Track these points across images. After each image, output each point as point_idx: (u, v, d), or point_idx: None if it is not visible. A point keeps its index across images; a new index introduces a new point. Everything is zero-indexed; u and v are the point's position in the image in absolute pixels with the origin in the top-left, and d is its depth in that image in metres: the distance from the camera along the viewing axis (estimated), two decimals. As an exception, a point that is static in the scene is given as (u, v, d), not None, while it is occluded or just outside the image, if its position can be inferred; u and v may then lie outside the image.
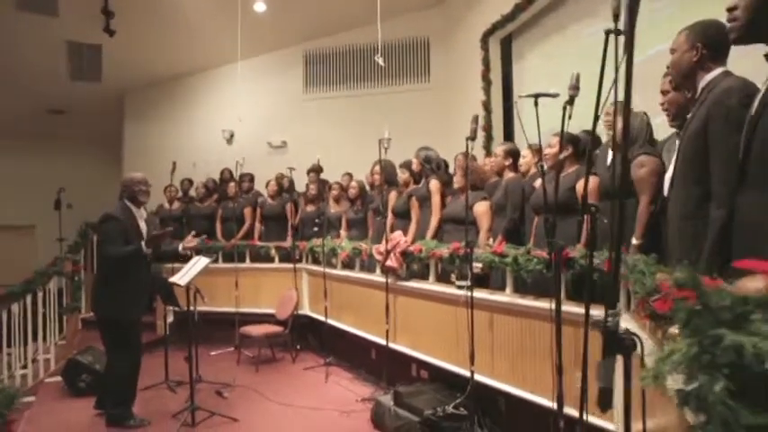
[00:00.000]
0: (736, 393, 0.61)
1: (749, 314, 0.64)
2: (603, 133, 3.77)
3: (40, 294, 5.41)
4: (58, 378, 5.05)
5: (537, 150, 3.80)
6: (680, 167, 2.02)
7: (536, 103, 2.83)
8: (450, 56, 8.58)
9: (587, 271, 1.87)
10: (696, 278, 0.78)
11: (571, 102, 2.49)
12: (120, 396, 4.06)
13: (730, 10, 1.73)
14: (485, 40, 7.64)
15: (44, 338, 5.54)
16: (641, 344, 1.03)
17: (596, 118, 1.93)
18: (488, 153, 7.18)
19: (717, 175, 1.79)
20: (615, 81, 1.53)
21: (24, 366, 5.30)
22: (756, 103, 1.55)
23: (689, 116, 2.08)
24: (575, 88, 2.48)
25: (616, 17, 1.28)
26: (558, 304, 2.52)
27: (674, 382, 0.70)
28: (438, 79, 8.75)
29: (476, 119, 3.41)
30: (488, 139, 7.60)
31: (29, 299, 5.22)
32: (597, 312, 2.68)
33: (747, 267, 0.83)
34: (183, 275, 4.10)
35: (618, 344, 1.03)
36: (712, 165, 1.82)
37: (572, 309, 2.83)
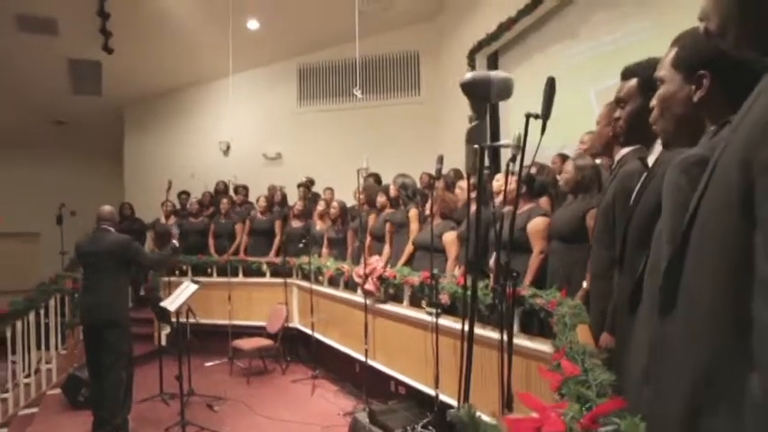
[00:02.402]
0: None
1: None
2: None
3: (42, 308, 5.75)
4: (59, 390, 5.35)
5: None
6: (596, 231, 2.27)
7: (488, 154, 3.08)
8: (440, 70, 8.81)
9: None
10: (473, 418, 1.03)
11: (513, 159, 2.73)
12: (119, 404, 4.35)
13: (616, 119, 1.99)
14: (471, 56, 7.86)
15: (47, 348, 5.86)
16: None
17: (518, 192, 2.19)
18: (475, 171, 7.39)
19: (617, 248, 2.04)
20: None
21: (28, 375, 5.61)
22: (634, 195, 1.79)
23: (607, 186, 2.32)
24: (517, 148, 2.72)
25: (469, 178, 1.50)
26: (502, 338, 2.77)
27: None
28: (428, 93, 8.98)
29: (440, 159, 3.65)
30: (475, 155, 7.82)
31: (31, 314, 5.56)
32: (539, 346, 2.95)
33: (526, 404, 1.08)
34: (173, 301, 4.39)
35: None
36: (616, 237, 2.06)
37: (520, 341, 3.09)
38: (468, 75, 1.34)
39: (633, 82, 1.92)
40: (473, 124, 1.35)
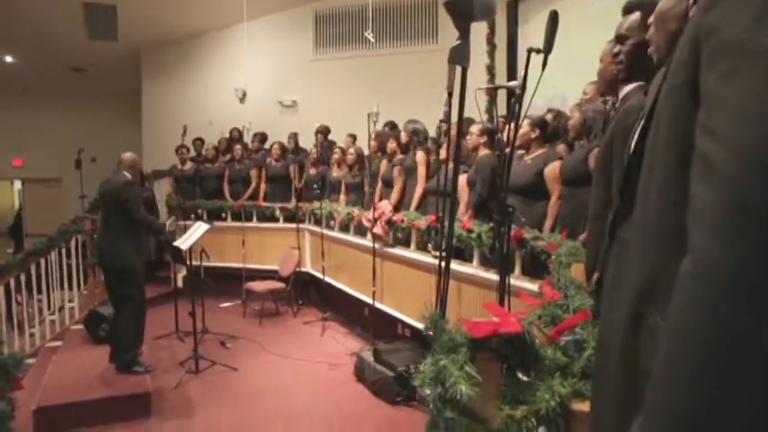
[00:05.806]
0: (443, 398, 0.91)
1: (457, 348, 0.93)
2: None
3: (64, 249, 5.96)
4: (81, 326, 5.59)
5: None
6: (595, 171, 2.25)
7: (495, 95, 3.04)
8: (459, 17, 8.56)
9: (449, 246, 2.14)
10: (438, 319, 1.07)
11: (518, 99, 2.69)
12: (129, 343, 4.49)
13: (615, 55, 1.93)
14: (491, 2, 7.62)
15: (69, 287, 6.10)
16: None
17: (517, 128, 2.17)
18: (491, 117, 7.32)
19: (614, 184, 2.02)
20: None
21: (53, 313, 5.87)
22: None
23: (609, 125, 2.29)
24: (521, 88, 2.67)
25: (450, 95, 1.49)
26: (501, 273, 2.79)
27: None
28: (446, 41, 8.73)
29: (447, 101, 3.60)
30: (491, 102, 7.70)
31: (54, 253, 5.78)
32: (528, 285, 2.97)
33: (489, 311, 1.11)
34: (185, 240, 4.50)
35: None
36: (614, 175, 2.05)
37: (521, 283, 3.12)
38: (450, -8, 1.31)
39: (636, 15, 1.85)
40: (456, 44, 1.33)
